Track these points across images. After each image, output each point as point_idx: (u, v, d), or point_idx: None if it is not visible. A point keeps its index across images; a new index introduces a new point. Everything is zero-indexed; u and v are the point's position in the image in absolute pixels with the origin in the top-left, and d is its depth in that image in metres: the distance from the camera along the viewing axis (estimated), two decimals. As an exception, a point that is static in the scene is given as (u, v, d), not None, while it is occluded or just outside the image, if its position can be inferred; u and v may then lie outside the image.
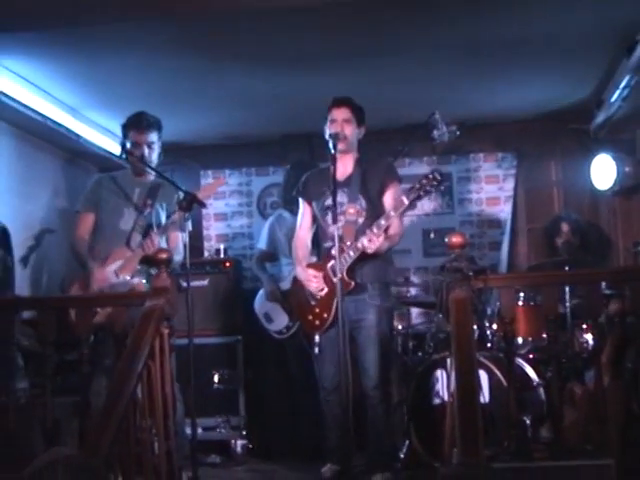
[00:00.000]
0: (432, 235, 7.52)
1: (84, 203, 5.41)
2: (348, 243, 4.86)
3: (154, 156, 5.29)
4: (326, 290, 5.09)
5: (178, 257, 5.08)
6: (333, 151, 4.87)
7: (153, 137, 5.27)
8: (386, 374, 5.13)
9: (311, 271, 5.16)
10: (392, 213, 4.80)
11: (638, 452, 4.02)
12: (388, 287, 5.25)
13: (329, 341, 5.09)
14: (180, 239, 5.20)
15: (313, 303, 5.15)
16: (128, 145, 5.27)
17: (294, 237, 5.45)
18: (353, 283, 4.88)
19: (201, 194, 5.00)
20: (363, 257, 4.92)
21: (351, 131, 5.11)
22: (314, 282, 5.11)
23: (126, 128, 5.31)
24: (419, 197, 4.73)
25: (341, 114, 5.10)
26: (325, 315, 5.08)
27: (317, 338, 5.12)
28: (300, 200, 5.39)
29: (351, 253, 4.85)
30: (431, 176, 4.70)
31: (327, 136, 5.01)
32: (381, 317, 5.09)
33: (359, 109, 5.17)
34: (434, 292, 6.86)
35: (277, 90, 6.33)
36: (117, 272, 5.10)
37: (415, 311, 6.96)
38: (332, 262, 5.00)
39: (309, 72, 5.96)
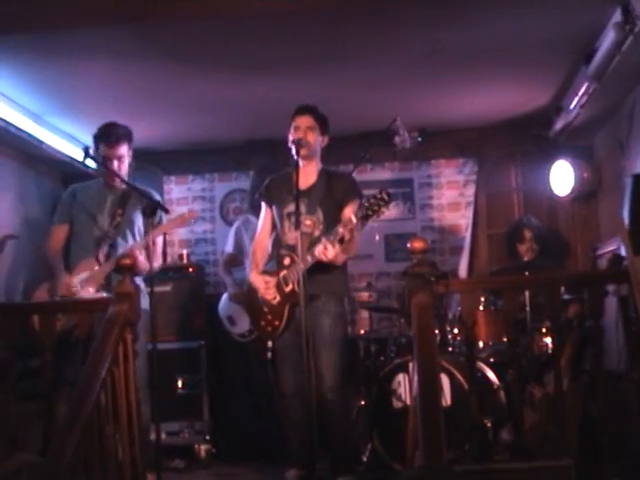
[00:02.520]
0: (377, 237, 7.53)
1: (59, 216, 5.46)
2: (299, 253, 4.72)
3: (124, 168, 5.29)
4: (278, 298, 5.09)
5: (156, 264, 5.19)
6: (296, 157, 4.90)
7: (123, 150, 5.25)
8: (342, 379, 5.10)
9: (266, 277, 5.16)
10: (340, 230, 4.77)
11: (596, 453, 4.08)
12: (341, 297, 5.24)
13: (285, 348, 5.13)
14: (160, 246, 5.30)
15: (266, 310, 5.15)
16: (99, 155, 5.26)
17: (254, 240, 5.46)
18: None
19: (168, 226, 5.21)
20: (318, 268, 4.90)
21: (314, 138, 5.11)
22: (266, 291, 5.11)
23: (97, 139, 5.30)
24: (367, 216, 4.67)
25: (304, 122, 5.10)
26: (277, 322, 5.09)
27: (269, 344, 5.16)
28: (262, 203, 5.40)
29: (302, 264, 4.72)
30: (379, 195, 4.63)
31: (290, 143, 5.04)
32: (334, 322, 5.09)
33: (323, 118, 5.17)
34: (396, 297, 6.91)
35: (240, 96, 6.34)
36: (82, 284, 5.12)
37: (377, 316, 7.00)
38: (284, 271, 5.04)
39: (271, 78, 5.98)
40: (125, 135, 5.28)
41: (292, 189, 4.88)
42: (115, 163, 5.22)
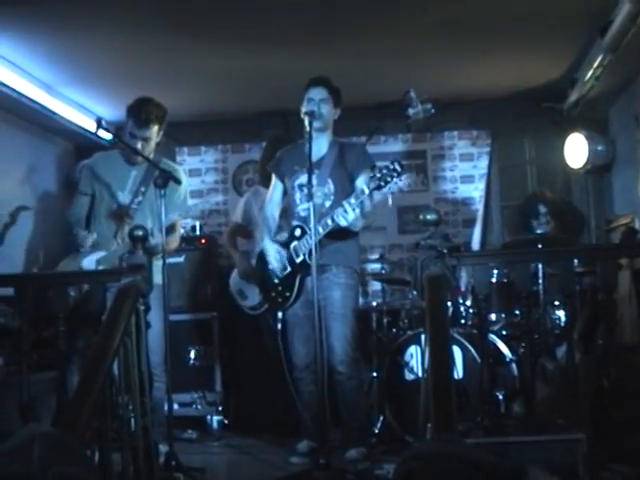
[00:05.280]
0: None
1: (82, 185, 5.38)
2: (311, 225, 4.76)
3: (148, 149, 5.14)
4: (289, 269, 5.13)
5: (173, 245, 5.25)
6: (309, 129, 4.89)
7: (151, 132, 5.10)
8: (353, 351, 5.13)
9: (279, 248, 5.17)
10: (352, 201, 4.76)
11: (608, 426, 4.08)
12: (353, 269, 5.24)
13: (296, 319, 5.17)
14: (180, 225, 5.40)
15: (276, 281, 5.20)
16: (127, 129, 5.16)
17: (263, 210, 5.49)
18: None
19: None
20: (330, 239, 4.95)
21: (327, 110, 5.12)
22: (276, 259, 5.15)
23: (128, 113, 5.15)
24: (379, 187, 4.71)
25: (318, 94, 5.10)
26: (287, 294, 5.13)
27: (280, 315, 5.20)
28: (273, 175, 5.40)
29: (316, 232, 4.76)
30: (391, 166, 4.67)
31: (303, 114, 5.02)
32: (345, 294, 5.11)
33: (336, 90, 5.16)
34: (409, 269, 6.90)
35: (253, 67, 6.32)
36: (98, 264, 5.12)
37: (390, 288, 7.00)
38: (295, 242, 5.06)
39: (285, 49, 5.96)
40: (157, 117, 5.11)
41: (303, 161, 4.89)
42: (139, 144, 5.09)
